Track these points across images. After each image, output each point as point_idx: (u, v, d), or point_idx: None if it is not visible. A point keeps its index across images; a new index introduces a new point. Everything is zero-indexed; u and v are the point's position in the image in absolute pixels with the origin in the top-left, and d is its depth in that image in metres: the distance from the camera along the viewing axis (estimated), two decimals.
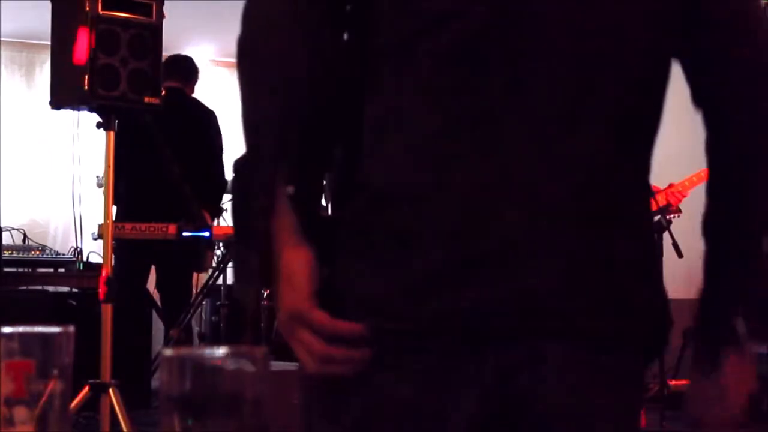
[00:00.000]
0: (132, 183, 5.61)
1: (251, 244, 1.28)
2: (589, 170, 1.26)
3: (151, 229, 5.50)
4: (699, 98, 1.49)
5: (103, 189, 4.33)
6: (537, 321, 1.24)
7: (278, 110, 1.30)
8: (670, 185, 5.63)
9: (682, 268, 6.09)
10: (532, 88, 1.24)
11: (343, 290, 1.27)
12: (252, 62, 1.34)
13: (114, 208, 5.73)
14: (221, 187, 5.95)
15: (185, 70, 5.92)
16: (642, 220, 1.35)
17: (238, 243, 1.31)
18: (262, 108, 1.32)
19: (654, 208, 5.37)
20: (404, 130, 1.26)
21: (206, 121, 5.86)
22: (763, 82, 1.37)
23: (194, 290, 6.15)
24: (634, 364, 1.38)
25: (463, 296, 1.22)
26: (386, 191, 1.26)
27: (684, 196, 5.64)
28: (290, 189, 1.26)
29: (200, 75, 5.85)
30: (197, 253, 5.71)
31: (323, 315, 1.24)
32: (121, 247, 5.46)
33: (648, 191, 1.39)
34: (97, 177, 6.07)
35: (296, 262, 1.25)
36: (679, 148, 7.65)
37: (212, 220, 5.79)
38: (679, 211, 5.77)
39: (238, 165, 1.35)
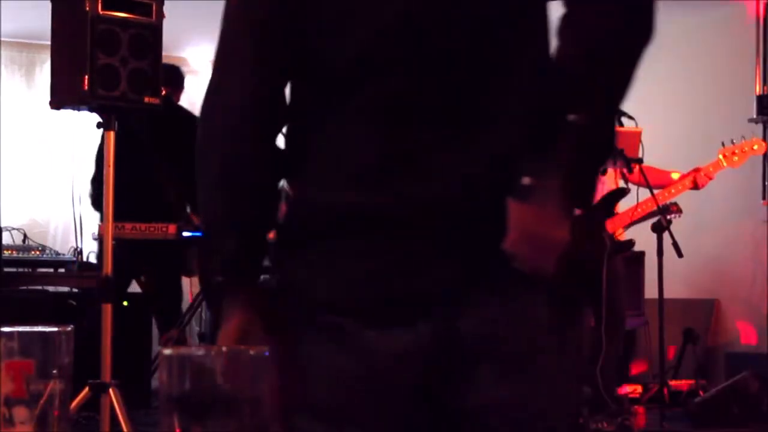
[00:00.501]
0: (117, 185, 5.60)
1: (210, 302, 1.65)
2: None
3: (151, 229, 5.50)
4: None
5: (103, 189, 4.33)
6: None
7: (226, 215, 1.60)
8: (697, 169, 5.62)
9: (682, 268, 6.11)
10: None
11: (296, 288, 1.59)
12: (204, 171, 1.64)
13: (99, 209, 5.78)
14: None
15: (176, 77, 6.06)
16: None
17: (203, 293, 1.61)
18: (212, 212, 1.63)
19: (652, 208, 5.37)
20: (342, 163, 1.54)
21: (193, 126, 5.80)
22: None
23: (185, 294, 6.14)
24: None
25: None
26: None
27: (711, 179, 5.64)
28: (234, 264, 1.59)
29: (200, 75, 5.82)
30: (185, 256, 5.69)
31: None
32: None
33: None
34: None
35: (225, 330, 1.55)
36: (678, 146, 7.66)
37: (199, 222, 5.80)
38: (679, 211, 5.77)
39: (200, 240, 1.67)
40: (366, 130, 1.52)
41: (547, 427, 1.54)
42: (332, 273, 1.54)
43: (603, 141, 1.61)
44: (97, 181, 5.79)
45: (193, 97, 8.13)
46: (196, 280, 6.26)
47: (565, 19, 1.55)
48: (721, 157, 5.70)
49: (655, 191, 5.40)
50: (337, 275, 1.54)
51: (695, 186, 5.62)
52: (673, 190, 5.50)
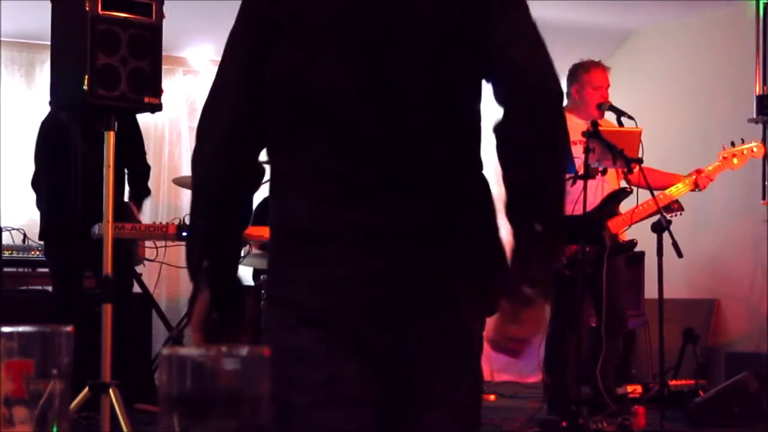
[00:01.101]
0: (56, 184, 5.58)
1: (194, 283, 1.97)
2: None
3: (151, 228, 5.51)
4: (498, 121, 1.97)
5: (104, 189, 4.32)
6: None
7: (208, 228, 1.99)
8: (698, 170, 5.62)
9: (682, 268, 6.11)
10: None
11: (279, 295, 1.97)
12: (195, 178, 2.03)
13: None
14: (147, 170, 5.95)
15: None
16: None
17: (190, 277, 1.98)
18: (198, 223, 2.03)
19: (654, 209, 5.37)
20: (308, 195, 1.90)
21: (133, 121, 5.76)
22: (532, 117, 1.94)
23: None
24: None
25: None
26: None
27: (711, 180, 5.64)
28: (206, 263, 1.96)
29: (200, 75, 5.78)
30: (129, 248, 5.67)
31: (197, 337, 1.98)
32: (58, 247, 5.48)
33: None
34: None
35: (198, 303, 1.94)
36: (678, 146, 7.66)
37: (140, 208, 5.80)
38: (681, 208, 5.76)
39: (187, 238, 2.12)
40: (329, 169, 1.88)
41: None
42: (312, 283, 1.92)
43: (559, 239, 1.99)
44: (37, 183, 5.77)
45: (193, 96, 8.14)
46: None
47: (501, 141, 2.02)
48: (720, 158, 5.70)
49: (658, 193, 5.40)
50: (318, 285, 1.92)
51: (696, 187, 5.61)
52: (673, 191, 5.50)
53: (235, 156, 1.96)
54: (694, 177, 5.59)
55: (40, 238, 5.76)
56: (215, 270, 1.96)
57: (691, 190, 5.62)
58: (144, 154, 5.93)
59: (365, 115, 1.86)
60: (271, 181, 1.98)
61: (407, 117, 1.87)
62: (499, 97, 1.93)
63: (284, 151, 1.93)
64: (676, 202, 5.75)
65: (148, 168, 5.97)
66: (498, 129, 1.96)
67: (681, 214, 5.75)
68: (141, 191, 5.84)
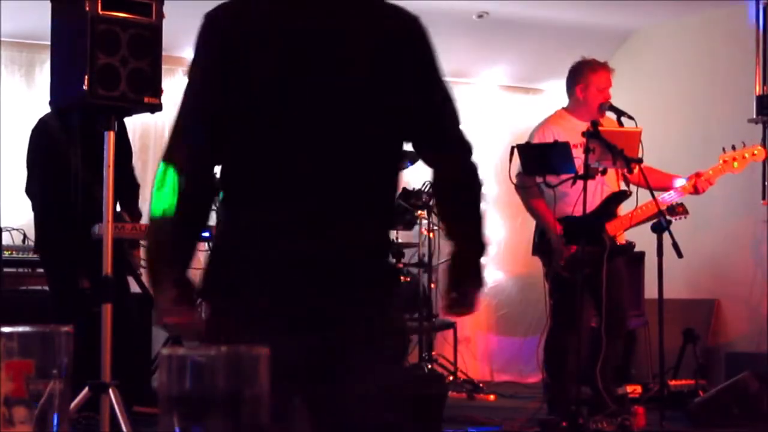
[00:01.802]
0: (47, 187, 5.56)
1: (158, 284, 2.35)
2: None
3: None
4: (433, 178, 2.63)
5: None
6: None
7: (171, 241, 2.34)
8: (698, 173, 5.61)
9: (682, 268, 6.11)
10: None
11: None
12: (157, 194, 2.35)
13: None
14: (136, 188, 5.83)
15: None
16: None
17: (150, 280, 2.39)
18: (157, 237, 2.39)
19: (653, 211, 5.37)
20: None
21: (122, 126, 5.70)
22: (457, 186, 2.54)
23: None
24: None
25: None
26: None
27: (711, 184, 5.63)
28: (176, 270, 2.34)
29: None
30: (123, 255, 5.59)
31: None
32: (54, 250, 5.46)
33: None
34: None
35: (161, 297, 2.32)
36: (678, 146, 7.66)
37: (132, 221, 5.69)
38: (686, 212, 5.76)
39: (148, 247, 2.55)
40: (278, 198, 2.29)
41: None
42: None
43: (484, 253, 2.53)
44: (31, 189, 5.74)
45: None
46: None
47: (438, 187, 2.67)
48: (721, 162, 5.70)
49: (657, 193, 5.40)
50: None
51: (696, 191, 5.61)
52: (672, 193, 5.49)
53: (197, 183, 2.32)
54: (693, 181, 5.58)
55: (36, 246, 5.76)
56: (179, 272, 2.32)
57: (690, 194, 5.61)
58: (132, 168, 5.78)
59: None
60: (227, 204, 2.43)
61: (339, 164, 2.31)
62: (429, 156, 2.57)
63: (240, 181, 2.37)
64: (681, 205, 5.75)
65: (136, 186, 5.77)
66: (435, 178, 2.59)
67: (685, 218, 5.75)
68: (132, 213, 5.69)
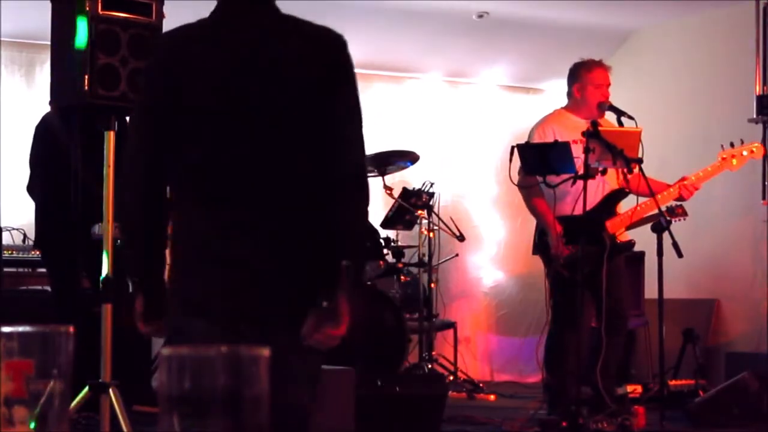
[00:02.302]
0: (48, 185, 5.56)
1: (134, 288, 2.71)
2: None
3: None
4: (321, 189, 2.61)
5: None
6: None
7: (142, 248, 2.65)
8: (683, 178, 5.61)
9: (682, 268, 6.11)
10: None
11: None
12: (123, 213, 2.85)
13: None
14: None
15: None
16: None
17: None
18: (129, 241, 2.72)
19: (653, 208, 5.37)
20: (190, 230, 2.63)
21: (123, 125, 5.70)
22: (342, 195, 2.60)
23: None
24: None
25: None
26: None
27: (696, 189, 5.62)
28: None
29: None
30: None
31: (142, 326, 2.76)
32: (55, 250, 5.45)
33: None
34: None
35: (138, 304, 2.68)
36: (678, 146, 7.65)
37: None
38: (685, 213, 5.75)
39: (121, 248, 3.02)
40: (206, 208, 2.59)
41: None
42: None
43: (361, 266, 2.86)
44: (33, 188, 5.75)
45: None
46: None
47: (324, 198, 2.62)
48: (719, 159, 5.69)
49: (643, 200, 5.40)
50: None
51: (681, 197, 5.59)
52: (659, 198, 5.46)
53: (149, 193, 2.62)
54: (677, 187, 5.57)
55: (35, 244, 5.76)
56: (149, 280, 2.64)
57: (675, 199, 5.59)
58: None
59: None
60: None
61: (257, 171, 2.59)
62: (324, 163, 2.58)
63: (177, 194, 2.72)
64: (680, 207, 5.74)
65: None
66: (323, 189, 2.58)
67: (684, 220, 5.75)
68: None
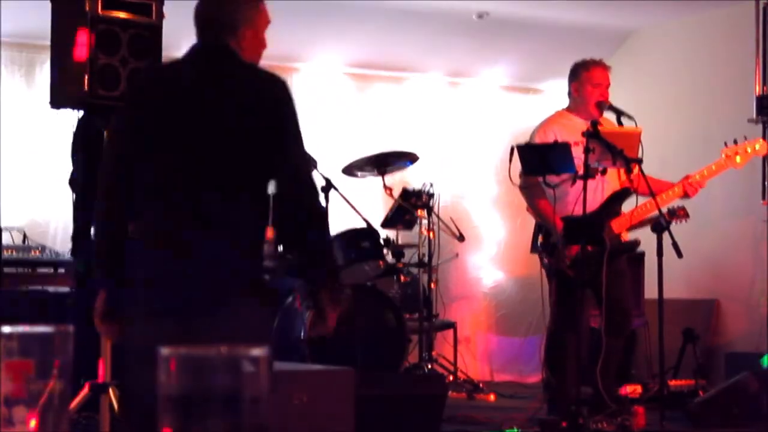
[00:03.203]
0: (89, 184, 5.54)
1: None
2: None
3: None
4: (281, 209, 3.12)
5: None
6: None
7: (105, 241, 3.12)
8: (687, 176, 5.60)
9: (682, 268, 6.11)
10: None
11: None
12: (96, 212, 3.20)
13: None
14: None
15: None
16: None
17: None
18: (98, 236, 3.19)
19: (655, 208, 5.37)
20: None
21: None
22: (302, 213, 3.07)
23: None
24: None
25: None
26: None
27: (701, 187, 5.61)
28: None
29: None
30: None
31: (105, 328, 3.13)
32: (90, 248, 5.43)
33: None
34: None
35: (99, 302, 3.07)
36: (678, 146, 7.65)
37: None
38: (687, 215, 5.75)
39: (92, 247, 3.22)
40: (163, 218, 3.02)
41: None
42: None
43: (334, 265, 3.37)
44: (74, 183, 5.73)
45: None
46: None
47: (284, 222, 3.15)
48: (723, 157, 5.69)
49: (643, 199, 5.40)
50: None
51: (686, 195, 5.59)
52: (664, 197, 5.47)
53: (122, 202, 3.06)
54: (682, 185, 5.57)
55: (73, 237, 5.74)
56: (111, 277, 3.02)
57: (680, 197, 5.59)
58: None
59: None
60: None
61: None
62: (282, 190, 3.04)
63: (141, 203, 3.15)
64: (682, 208, 5.74)
65: None
66: (282, 212, 3.07)
67: (686, 221, 5.74)
68: None
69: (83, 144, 5.65)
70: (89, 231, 5.57)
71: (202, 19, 3.17)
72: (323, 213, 3.21)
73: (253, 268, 3.06)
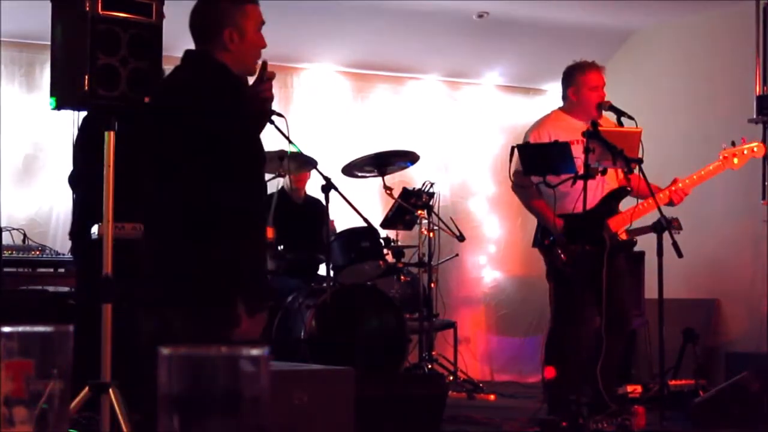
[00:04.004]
0: (91, 183, 5.54)
1: None
2: None
3: None
4: None
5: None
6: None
7: None
8: (674, 181, 5.60)
9: (682, 268, 6.10)
10: None
11: None
12: None
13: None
14: None
15: None
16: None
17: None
18: None
19: (654, 207, 5.37)
20: None
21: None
22: None
23: None
24: None
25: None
26: None
27: (686, 194, 5.62)
28: None
29: None
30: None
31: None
32: (89, 247, 5.44)
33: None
34: None
35: None
36: (678, 146, 7.64)
37: None
38: (680, 227, 5.75)
39: None
40: None
41: None
42: None
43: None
44: (74, 181, 5.73)
45: None
46: None
47: None
48: (721, 158, 5.70)
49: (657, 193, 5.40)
50: None
51: (670, 202, 5.58)
52: (649, 202, 5.44)
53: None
54: (668, 191, 5.57)
55: (71, 235, 5.74)
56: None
57: (665, 204, 5.56)
58: None
59: None
60: None
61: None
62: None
63: None
64: (675, 219, 5.74)
65: None
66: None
67: (678, 233, 5.74)
68: None
69: (89, 143, 5.64)
70: (88, 230, 5.59)
71: (189, 27, 3.49)
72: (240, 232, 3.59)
73: None
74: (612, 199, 5.53)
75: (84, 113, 5.75)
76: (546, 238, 5.55)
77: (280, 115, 4.21)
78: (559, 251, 5.42)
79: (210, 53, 3.59)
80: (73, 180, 5.73)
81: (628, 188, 5.46)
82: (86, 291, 5.35)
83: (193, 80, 3.59)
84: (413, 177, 8.06)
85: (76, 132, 6.37)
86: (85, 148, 5.61)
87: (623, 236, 5.57)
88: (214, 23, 3.52)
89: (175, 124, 3.47)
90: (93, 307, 5.00)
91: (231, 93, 3.57)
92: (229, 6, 3.52)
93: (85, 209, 5.61)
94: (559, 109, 5.74)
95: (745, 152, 5.72)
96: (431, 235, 7.18)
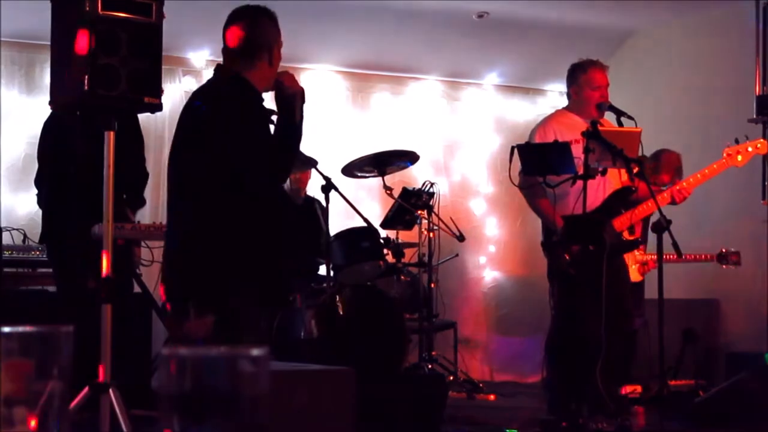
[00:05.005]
0: (56, 183, 5.54)
1: None
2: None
3: (151, 228, 5.50)
4: None
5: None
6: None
7: None
8: (676, 182, 5.61)
9: (682, 268, 6.12)
10: None
11: None
12: None
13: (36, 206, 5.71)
14: (145, 176, 5.84)
15: None
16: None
17: None
18: None
19: (655, 207, 5.37)
20: None
21: (134, 122, 5.69)
22: None
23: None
24: None
25: None
26: None
27: (688, 194, 5.62)
28: None
29: (200, 75, 5.75)
30: (127, 252, 5.57)
31: None
32: (59, 247, 5.42)
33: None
34: None
35: None
36: (678, 146, 7.64)
37: (134, 215, 5.69)
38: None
39: None
40: None
41: None
42: None
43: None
44: (39, 182, 5.71)
45: None
46: None
47: None
48: (725, 155, 5.69)
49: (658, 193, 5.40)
50: None
51: (673, 201, 5.59)
52: (650, 204, 5.45)
53: None
54: (669, 191, 5.57)
55: (41, 240, 5.73)
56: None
57: (668, 203, 5.57)
58: (143, 159, 5.81)
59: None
60: None
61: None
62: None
63: None
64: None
65: (146, 176, 5.79)
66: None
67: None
68: (136, 201, 5.71)
69: (53, 143, 5.63)
70: (58, 231, 5.58)
71: (230, 46, 4.10)
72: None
73: None
74: (616, 199, 5.53)
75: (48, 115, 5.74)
76: (551, 238, 5.56)
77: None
78: (563, 251, 5.42)
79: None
80: (39, 181, 5.73)
81: (633, 188, 5.45)
82: (79, 291, 5.35)
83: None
84: (413, 177, 8.06)
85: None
86: (52, 148, 5.60)
87: (626, 236, 5.57)
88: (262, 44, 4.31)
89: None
90: (87, 310, 5.03)
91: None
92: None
93: (49, 212, 5.59)
94: (564, 108, 5.75)
95: (750, 149, 5.72)
96: (431, 235, 7.19)
